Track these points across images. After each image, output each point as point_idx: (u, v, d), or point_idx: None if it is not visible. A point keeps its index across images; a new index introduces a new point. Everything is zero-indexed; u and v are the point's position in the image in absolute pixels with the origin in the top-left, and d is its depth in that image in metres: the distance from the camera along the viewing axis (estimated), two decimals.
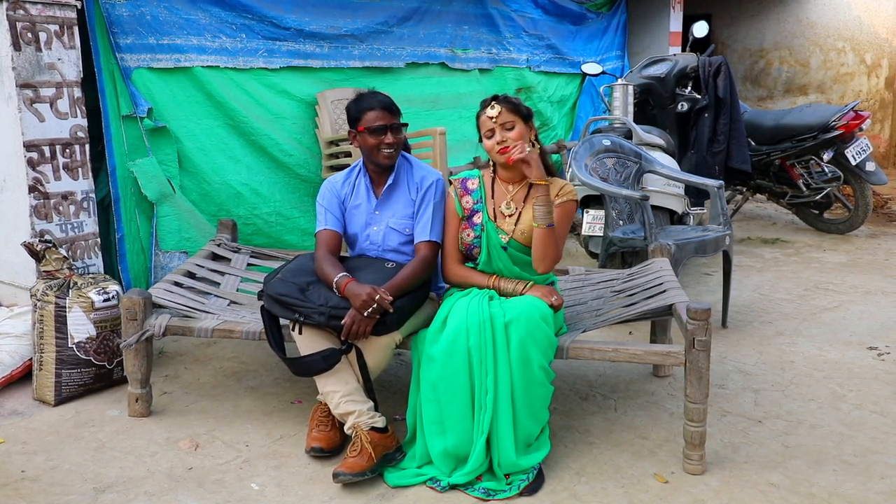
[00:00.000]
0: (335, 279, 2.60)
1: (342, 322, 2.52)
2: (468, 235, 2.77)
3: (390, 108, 2.81)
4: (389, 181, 2.87)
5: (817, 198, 6.14)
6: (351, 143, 2.96)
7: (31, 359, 3.23)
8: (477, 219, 2.77)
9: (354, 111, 2.83)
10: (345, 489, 2.46)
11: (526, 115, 2.69)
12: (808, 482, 2.50)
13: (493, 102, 2.66)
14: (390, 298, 2.54)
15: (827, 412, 3.02)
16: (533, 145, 2.70)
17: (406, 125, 2.90)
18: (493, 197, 2.79)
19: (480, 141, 2.72)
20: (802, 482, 2.50)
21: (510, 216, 2.73)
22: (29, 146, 3.30)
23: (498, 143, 2.65)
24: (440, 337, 2.52)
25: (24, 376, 3.26)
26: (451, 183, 2.86)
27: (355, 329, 2.51)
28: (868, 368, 3.47)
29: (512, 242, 2.72)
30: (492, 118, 2.64)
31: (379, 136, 2.77)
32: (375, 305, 2.50)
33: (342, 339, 2.57)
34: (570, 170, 4.15)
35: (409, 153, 3.07)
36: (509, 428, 2.46)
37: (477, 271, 2.78)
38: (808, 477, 2.53)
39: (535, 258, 2.65)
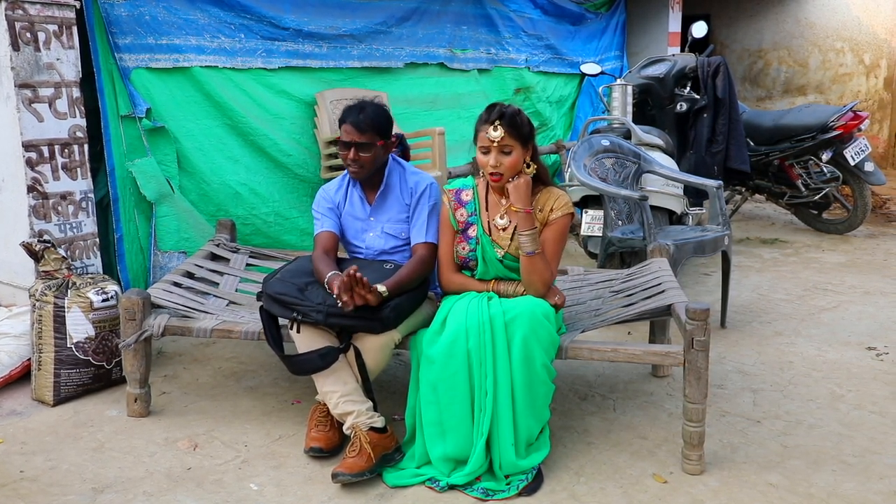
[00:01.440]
0: (326, 277, 2.60)
1: (334, 295, 2.48)
2: (463, 249, 2.76)
3: (360, 126, 2.75)
4: (381, 187, 2.88)
5: (816, 198, 6.14)
6: None
7: (29, 359, 3.23)
8: (472, 232, 2.75)
9: (339, 117, 2.87)
10: (344, 489, 2.46)
11: (526, 136, 2.60)
12: (806, 482, 2.50)
13: (497, 122, 2.54)
14: (365, 280, 2.46)
15: (826, 412, 3.02)
16: (528, 166, 2.64)
17: (385, 143, 2.82)
18: (486, 209, 2.76)
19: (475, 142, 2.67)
20: (801, 482, 2.50)
21: (504, 230, 2.70)
22: (27, 146, 3.30)
23: (492, 167, 2.58)
24: (439, 338, 2.52)
25: (22, 376, 3.26)
26: (444, 193, 2.85)
27: (345, 299, 2.45)
28: (867, 368, 3.47)
29: (507, 256, 2.70)
30: (492, 140, 2.55)
31: (343, 150, 2.80)
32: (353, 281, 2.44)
33: (338, 334, 2.58)
34: (569, 170, 4.15)
35: (408, 160, 3.06)
36: (509, 429, 2.46)
37: (474, 279, 2.76)
38: (806, 477, 2.53)
39: (524, 284, 2.64)
